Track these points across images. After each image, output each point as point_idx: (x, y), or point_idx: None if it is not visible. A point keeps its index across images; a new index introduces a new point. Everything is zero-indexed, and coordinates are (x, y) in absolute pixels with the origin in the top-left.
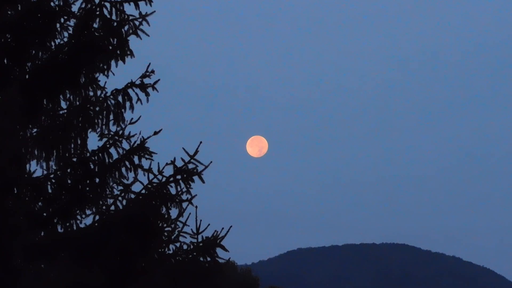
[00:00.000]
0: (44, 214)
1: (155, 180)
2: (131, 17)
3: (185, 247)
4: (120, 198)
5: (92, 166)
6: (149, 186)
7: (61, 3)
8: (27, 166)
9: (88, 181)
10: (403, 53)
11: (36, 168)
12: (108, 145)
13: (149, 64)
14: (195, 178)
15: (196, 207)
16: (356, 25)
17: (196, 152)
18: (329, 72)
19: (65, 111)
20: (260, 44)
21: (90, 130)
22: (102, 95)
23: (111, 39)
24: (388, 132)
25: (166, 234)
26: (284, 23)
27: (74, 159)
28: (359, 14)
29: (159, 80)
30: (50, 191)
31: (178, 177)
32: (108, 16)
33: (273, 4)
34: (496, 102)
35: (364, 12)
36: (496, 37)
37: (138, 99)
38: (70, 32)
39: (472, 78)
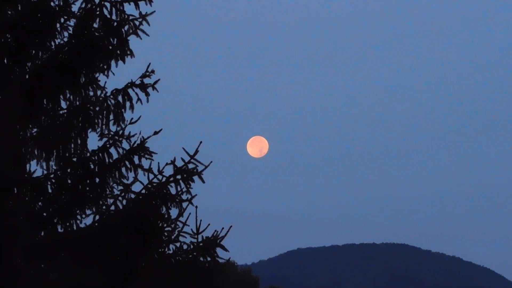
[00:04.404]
0: (44, 214)
1: (155, 180)
2: (131, 17)
3: (185, 247)
4: (120, 198)
5: (92, 166)
6: (149, 186)
7: (61, 3)
8: (27, 166)
9: (88, 181)
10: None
11: (36, 168)
12: (108, 145)
13: (149, 64)
14: (195, 178)
15: (196, 207)
16: (356, 29)
17: (196, 152)
18: (329, 72)
19: (65, 111)
20: (261, 43)
21: (90, 130)
22: (102, 95)
23: (111, 39)
24: (387, 132)
25: (166, 234)
26: (288, 23)
27: (74, 159)
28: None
29: (159, 80)
30: (50, 191)
31: (178, 177)
32: (108, 16)
33: (277, 3)
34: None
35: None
36: None
37: (138, 99)
38: (70, 32)
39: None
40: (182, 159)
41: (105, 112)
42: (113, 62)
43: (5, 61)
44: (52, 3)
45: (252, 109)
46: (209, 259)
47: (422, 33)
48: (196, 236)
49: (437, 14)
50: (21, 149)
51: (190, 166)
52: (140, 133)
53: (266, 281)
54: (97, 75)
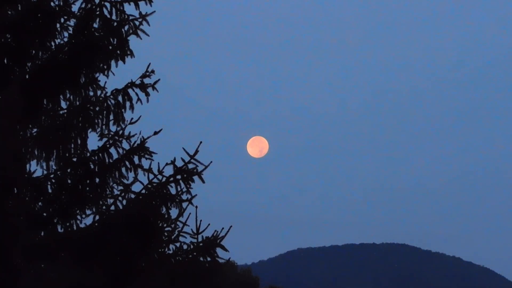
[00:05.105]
0: (44, 214)
1: (155, 180)
2: (131, 17)
3: (185, 247)
4: (120, 198)
5: (92, 166)
6: (149, 186)
7: (61, 3)
8: (27, 166)
9: (88, 181)
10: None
11: (36, 168)
12: (108, 145)
13: (149, 64)
14: (195, 178)
15: (196, 207)
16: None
17: (196, 152)
18: (329, 72)
19: (65, 111)
20: (262, 44)
21: (90, 130)
22: (102, 95)
23: (111, 39)
24: (387, 132)
25: (166, 234)
26: (287, 23)
27: (74, 159)
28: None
29: (159, 80)
30: (50, 191)
31: (178, 177)
32: (108, 16)
33: (280, 5)
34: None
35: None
36: None
37: (138, 99)
38: (70, 32)
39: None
40: (182, 159)
41: (105, 112)
42: (113, 62)
43: (5, 61)
44: (52, 3)
45: (252, 109)
46: (209, 259)
47: (417, 25)
48: (196, 236)
49: (429, 5)
50: (21, 149)
51: (190, 166)
52: (140, 133)
53: (266, 281)
54: (97, 75)
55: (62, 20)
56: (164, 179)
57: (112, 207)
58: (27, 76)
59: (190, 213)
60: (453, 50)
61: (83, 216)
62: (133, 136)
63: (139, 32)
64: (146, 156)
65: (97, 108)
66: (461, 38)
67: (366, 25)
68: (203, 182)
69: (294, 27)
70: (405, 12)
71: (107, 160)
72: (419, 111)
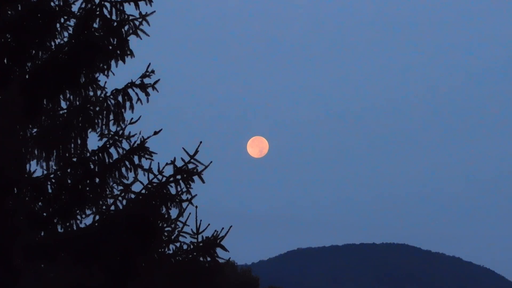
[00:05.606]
0: (44, 214)
1: (155, 180)
2: (131, 17)
3: (185, 247)
4: (120, 198)
5: (92, 166)
6: (149, 186)
7: (61, 3)
8: (27, 166)
9: (88, 181)
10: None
11: (36, 168)
12: (108, 145)
13: (149, 64)
14: (195, 178)
15: (196, 207)
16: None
17: (196, 152)
18: (329, 72)
19: (65, 111)
20: (262, 44)
21: (90, 130)
22: (102, 95)
23: (111, 39)
24: (387, 132)
25: (166, 234)
26: (286, 23)
27: (74, 159)
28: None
29: (159, 80)
30: (50, 191)
31: (178, 177)
32: (108, 16)
33: (283, 4)
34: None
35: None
36: None
37: (138, 99)
38: (70, 32)
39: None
40: (182, 159)
41: (105, 112)
42: (113, 62)
43: (5, 61)
44: (52, 3)
45: (252, 109)
46: (209, 259)
47: (422, 29)
48: (196, 236)
49: (441, 5)
50: (21, 149)
51: (190, 166)
52: (140, 133)
53: (266, 281)
54: (97, 75)
55: (62, 20)
56: (164, 179)
57: (112, 207)
58: (27, 76)
59: (190, 213)
60: (460, 53)
61: (83, 216)
62: (133, 136)
63: (139, 32)
64: (146, 156)
65: (97, 108)
66: (459, 42)
67: (367, 28)
68: (203, 182)
69: (296, 29)
70: (405, 14)
71: (107, 160)
72: (419, 112)
